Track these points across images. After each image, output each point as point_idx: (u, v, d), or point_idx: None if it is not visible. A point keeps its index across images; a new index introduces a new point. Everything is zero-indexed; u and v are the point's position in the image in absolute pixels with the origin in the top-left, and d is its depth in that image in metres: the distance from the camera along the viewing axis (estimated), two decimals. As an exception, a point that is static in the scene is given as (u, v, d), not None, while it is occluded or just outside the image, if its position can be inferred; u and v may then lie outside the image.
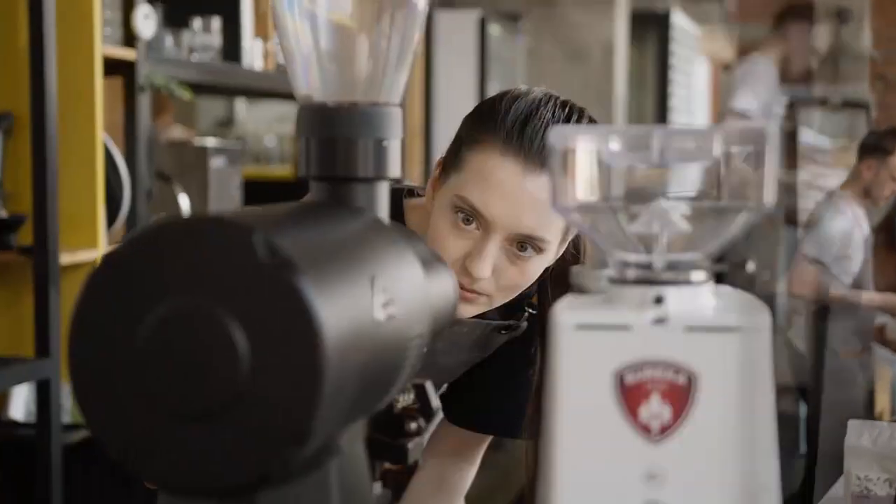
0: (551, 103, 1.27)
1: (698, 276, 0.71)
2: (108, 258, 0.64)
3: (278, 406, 0.62)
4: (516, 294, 1.31)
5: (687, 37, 8.08)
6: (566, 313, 0.71)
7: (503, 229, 1.24)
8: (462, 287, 1.26)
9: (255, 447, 0.62)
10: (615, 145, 0.72)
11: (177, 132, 3.94)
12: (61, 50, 2.51)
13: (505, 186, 1.22)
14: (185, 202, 2.92)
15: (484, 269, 1.24)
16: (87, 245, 2.58)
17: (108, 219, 2.67)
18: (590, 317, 0.70)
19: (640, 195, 0.75)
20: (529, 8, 5.73)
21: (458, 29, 5.29)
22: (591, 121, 1.31)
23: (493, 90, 6.02)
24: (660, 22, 7.37)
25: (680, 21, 7.70)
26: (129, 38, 2.73)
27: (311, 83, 0.85)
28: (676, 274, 0.71)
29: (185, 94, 2.80)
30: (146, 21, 2.71)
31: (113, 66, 2.70)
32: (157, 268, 0.64)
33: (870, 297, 4.46)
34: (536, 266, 1.28)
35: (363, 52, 0.84)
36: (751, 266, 4.84)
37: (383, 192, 0.84)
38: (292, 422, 0.63)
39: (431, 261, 0.88)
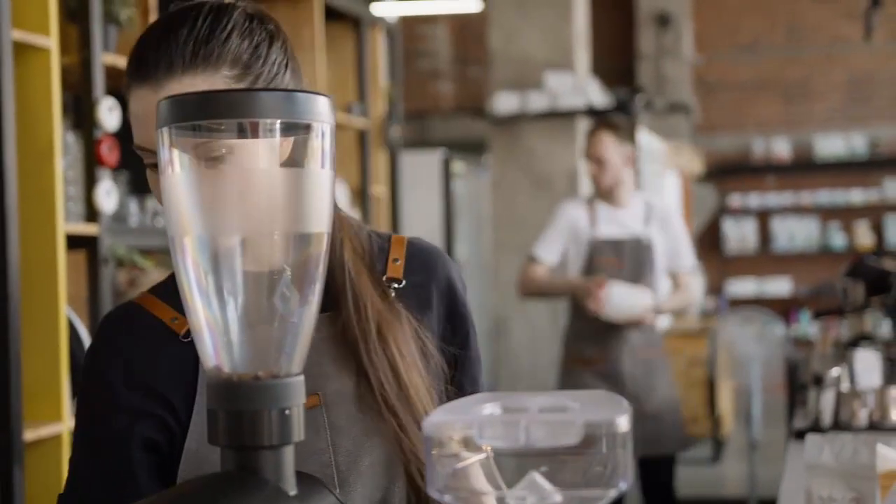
0: (167, 14, 1.25)
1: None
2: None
3: None
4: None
5: (654, 153, 8.26)
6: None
7: None
8: None
9: None
10: (486, 431, 0.78)
11: (155, 276, 3.99)
12: (24, 228, 2.59)
13: (144, 115, 1.20)
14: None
15: None
16: (51, 419, 2.62)
17: (73, 389, 2.71)
18: None
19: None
20: (493, 138, 5.88)
21: (423, 168, 5.43)
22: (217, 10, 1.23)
23: (459, 224, 6.15)
24: (625, 142, 7.52)
25: (645, 140, 7.87)
26: (92, 213, 2.82)
27: (218, 356, 0.92)
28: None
29: (147, 265, 2.88)
30: (108, 197, 2.80)
31: (76, 241, 2.78)
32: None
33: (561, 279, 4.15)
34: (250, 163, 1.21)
35: (266, 327, 0.92)
36: None
37: (288, 457, 0.91)
38: None
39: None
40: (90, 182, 2.82)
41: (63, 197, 2.69)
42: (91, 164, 2.83)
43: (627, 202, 4.13)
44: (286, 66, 1.26)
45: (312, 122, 0.90)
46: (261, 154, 0.90)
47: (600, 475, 0.78)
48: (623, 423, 0.77)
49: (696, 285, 4.40)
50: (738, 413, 8.10)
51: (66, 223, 2.72)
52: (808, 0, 10.44)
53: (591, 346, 4.14)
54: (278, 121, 0.89)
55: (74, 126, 3.00)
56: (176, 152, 0.90)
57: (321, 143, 0.91)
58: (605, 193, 4.14)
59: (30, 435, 2.55)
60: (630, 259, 4.09)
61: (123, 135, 2.93)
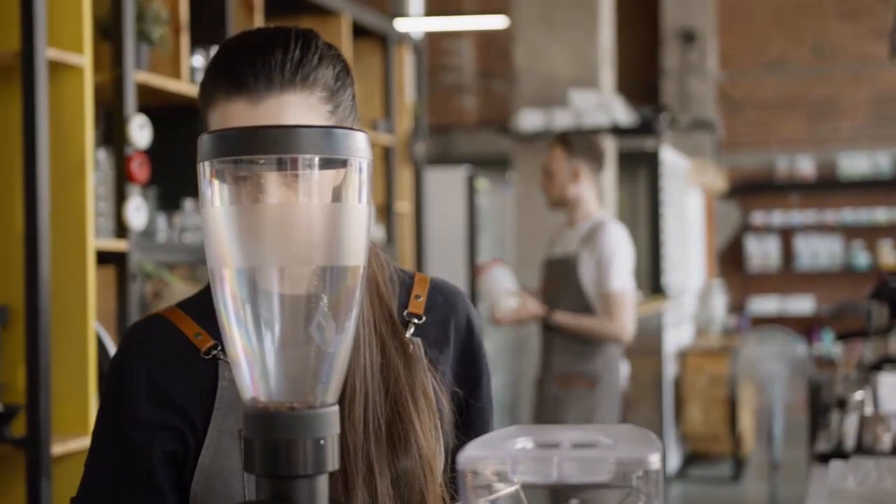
0: (251, 33, 1.27)
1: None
2: None
3: None
4: None
5: (678, 170, 8.26)
6: None
7: None
8: None
9: None
10: (519, 466, 0.80)
11: (179, 288, 4.02)
12: (55, 244, 2.62)
13: (238, 123, 1.21)
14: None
15: None
16: (79, 433, 2.65)
17: (101, 403, 2.74)
18: None
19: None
20: (518, 155, 5.89)
21: (447, 184, 5.45)
22: (304, 40, 1.25)
23: (482, 240, 6.17)
24: (649, 160, 7.54)
25: (669, 157, 7.87)
26: (122, 229, 2.85)
27: (255, 386, 0.94)
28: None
29: (175, 281, 2.91)
30: (137, 213, 2.83)
31: (105, 256, 2.82)
32: None
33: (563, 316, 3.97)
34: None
35: (302, 357, 0.93)
36: None
37: (322, 486, 0.92)
38: None
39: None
40: (120, 198, 2.86)
41: (94, 213, 2.72)
42: (121, 181, 2.86)
43: (578, 222, 4.09)
44: (353, 97, 1.30)
45: (350, 158, 0.92)
46: (299, 188, 0.92)
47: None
48: (655, 460, 0.78)
49: (624, 313, 3.95)
50: (758, 432, 8.07)
51: (96, 239, 2.75)
52: (834, 18, 10.42)
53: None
54: (317, 156, 0.91)
55: (105, 143, 3.04)
56: (217, 186, 0.92)
57: (359, 177, 0.93)
58: (554, 206, 4.17)
59: (58, 448, 2.58)
60: (557, 278, 4.07)
61: (153, 152, 2.97)
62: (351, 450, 1.25)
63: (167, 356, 1.29)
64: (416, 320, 1.34)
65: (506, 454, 0.81)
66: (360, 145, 0.93)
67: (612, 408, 4.05)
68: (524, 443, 0.84)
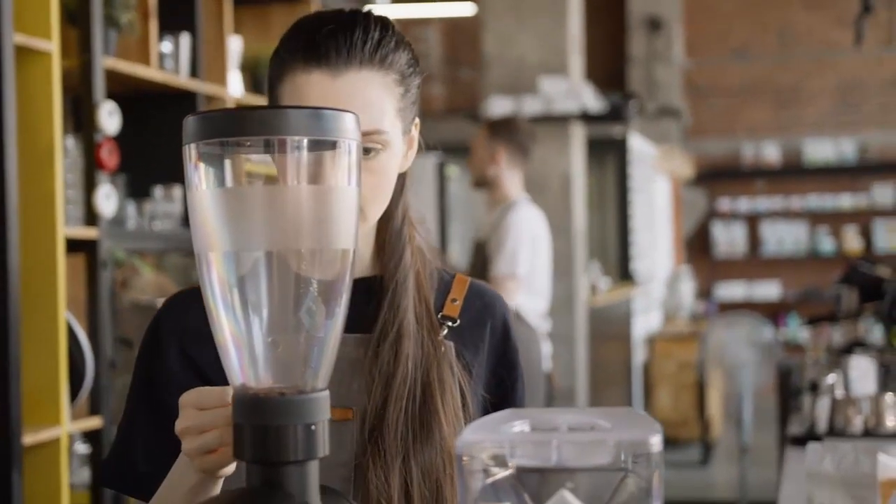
0: (329, 12, 1.28)
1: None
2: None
3: None
4: (387, 199, 1.29)
5: (645, 157, 8.28)
6: None
7: None
8: None
9: None
10: (517, 450, 0.79)
11: (147, 276, 3.97)
12: (24, 232, 2.58)
13: (320, 98, 1.21)
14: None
15: None
16: (50, 423, 2.62)
17: (72, 392, 2.71)
18: None
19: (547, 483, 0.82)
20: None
21: (417, 171, 5.42)
22: (382, 23, 1.26)
23: (453, 230, 6.16)
24: (617, 146, 7.56)
25: (637, 144, 7.89)
26: (91, 217, 2.81)
27: (244, 372, 0.92)
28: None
29: (146, 269, 2.88)
30: (107, 200, 2.80)
31: (75, 244, 2.78)
32: None
33: None
34: (387, 163, 1.26)
35: (292, 342, 0.92)
36: None
37: (313, 471, 0.91)
38: None
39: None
40: (90, 186, 2.82)
41: (63, 200, 2.69)
42: (91, 168, 2.82)
43: (496, 205, 4.13)
44: (419, 86, 1.30)
45: (339, 139, 0.91)
46: (287, 171, 0.90)
47: (632, 495, 0.79)
48: (656, 442, 0.77)
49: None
50: (727, 416, 8.12)
51: (66, 227, 2.71)
52: (799, 6, 10.48)
53: None
54: (305, 138, 0.89)
55: (74, 130, 2.99)
56: (203, 168, 0.90)
57: (348, 159, 0.92)
58: (476, 186, 4.21)
59: (29, 439, 2.54)
60: (476, 260, 4.12)
61: (123, 138, 2.93)
62: (391, 431, 1.24)
63: (198, 326, 1.27)
64: (450, 323, 1.33)
65: (504, 438, 0.80)
66: (348, 126, 0.91)
67: (530, 395, 4.02)
68: (521, 426, 0.83)
